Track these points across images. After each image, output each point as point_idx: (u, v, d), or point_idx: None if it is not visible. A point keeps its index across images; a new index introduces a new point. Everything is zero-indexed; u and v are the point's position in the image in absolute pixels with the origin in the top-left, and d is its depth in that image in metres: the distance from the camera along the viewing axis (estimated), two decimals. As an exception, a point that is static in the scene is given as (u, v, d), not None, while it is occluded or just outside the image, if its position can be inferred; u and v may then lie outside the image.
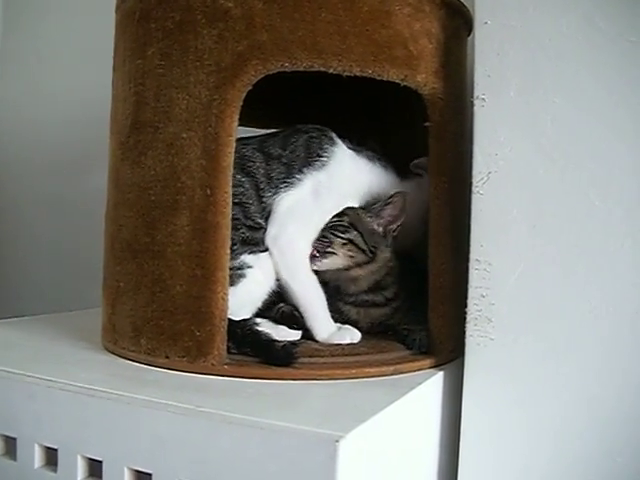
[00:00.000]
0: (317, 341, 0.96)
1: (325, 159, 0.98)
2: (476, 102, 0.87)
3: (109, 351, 0.96)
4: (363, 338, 0.98)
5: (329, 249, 0.98)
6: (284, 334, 0.93)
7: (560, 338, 0.83)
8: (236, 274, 0.92)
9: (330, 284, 1.02)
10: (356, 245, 0.99)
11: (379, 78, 0.88)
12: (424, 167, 1.04)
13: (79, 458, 0.76)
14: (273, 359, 0.85)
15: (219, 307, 0.84)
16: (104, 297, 0.99)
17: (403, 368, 0.89)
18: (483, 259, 0.87)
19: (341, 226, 0.99)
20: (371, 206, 1.01)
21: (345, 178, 1.00)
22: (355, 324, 1.02)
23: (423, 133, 0.94)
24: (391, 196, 0.99)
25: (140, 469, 0.72)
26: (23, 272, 2.02)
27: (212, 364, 0.84)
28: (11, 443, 0.81)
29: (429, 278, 0.94)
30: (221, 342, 0.85)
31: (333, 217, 0.99)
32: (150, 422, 0.71)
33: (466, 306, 0.88)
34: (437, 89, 0.92)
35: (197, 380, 0.82)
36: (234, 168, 0.92)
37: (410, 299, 1.04)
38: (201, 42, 0.85)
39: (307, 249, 0.98)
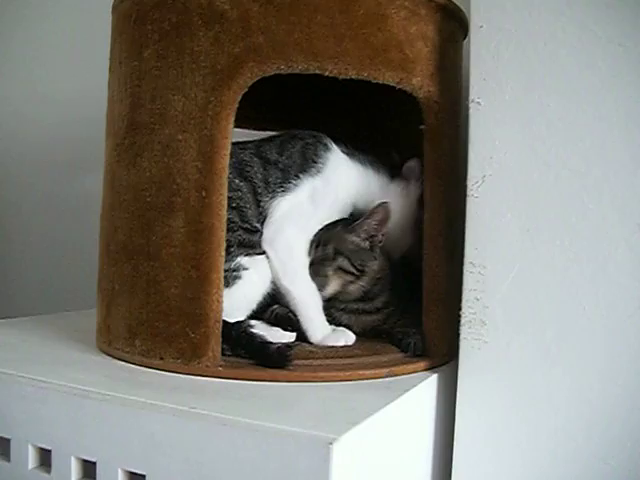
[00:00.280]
0: (311, 343, 0.95)
1: (321, 165, 0.99)
2: (471, 105, 0.87)
3: (103, 352, 0.96)
4: (357, 340, 0.98)
5: (325, 285, 1.00)
6: (279, 336, 0.93)
7: (554, 341, 0.83)
8: (232, 276, 0.92)
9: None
10: (344, 270, 1.01)
11: (374, 81, 0.88)
12: (413, 170, 1.05)
13: (73, 459, 0.76)
14: (268, 361, 0.85)
15: (214, 309, 0.84)
16: (99, 298, 0.99)
17: (397, 370, 0.89)
18: (477, 262, 0.87)
19: (327, 259, 1.00)
20: (353, 222, 1.01)
21: (340, 183, 1.01)
22: (348, 329, 1.01)
23: (417, 135, 0.94)
24: (373, 208, 1.00)
25: (134, 470, 0.72)
26: (17, 273, 2.01)
27: (206, 366, 0.84)
28: (5, 444, 0.80)
29: (423, 281, 0.94)
30: (216, 344, 0.85)
31: (317, 246, 1.00)
32: (144, 423, 0.71)
33: (460, 309, 0.88)
34: (432, 92, 0.93)
35: (191, 382, 0.82)
36: (232, 173, 0.93)
37: (402, 304, 1.05)
38: (197, 44, 0.85)
39: (303, 252, 0.98)
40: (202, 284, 0.84)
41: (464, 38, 1.03)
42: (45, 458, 0.79)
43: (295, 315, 0.97)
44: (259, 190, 0.96)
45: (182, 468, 0.69)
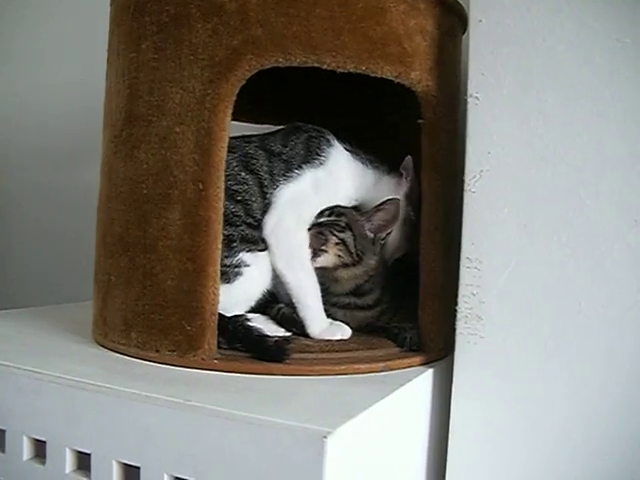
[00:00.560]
0: (307, 337, 0.96)
1: (323, 158, 0.99)
2: (469, 100, 0.87)
3: (99, 344, 0.96)
4: (354, 335, 0.98)
5: (323, 247, 0.98)
6: (274, 329, 0.94)
7: (550, 337, 0.83)
8: (233, 272, 0.92)
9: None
10: (347, 246, 0.99)
11: (373, 75, 0.88)
12: (408, 168, 1.05)
13: (68, 451, 0.76)
14: (265, 355, 0.85)
15: (210, 302, 0.84)
16: (95, 290, 0.99)
17: (393, 365, 0.89)
18: (474, 257, 0.87)
19: (338, 225, 0.99)
20: (364, 209, 1.01)
21: (341, 177, 1.02)
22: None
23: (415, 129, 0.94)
24: (384, 202, 1.00)
25: (128, 462, 0.72)
26: (14, 264, 2.01)
27: (202, 359, 0.84)
28: (0, 435, 0.81)
29: (420, 275, 0.94)
30: (211, 337, 0.85)
31: (331, 214, 1.00)
32: (139, 415, 0.71)
33: (456, 304, 0.88)
34: (431, 87, 0.92)
35: (187, 374, 0.82)
36: (238, 166, 0.93)
37: (396, 301, 1.04)
38: (195, 36, 0.85)
39: (304, 240, 0.98)
40: (198, 277, 0.84)
41: (463, 32, 1.03)
42: (40, 449, 0.79)
43: (300, 317, 0.97)
44: (265, 182, 0.96)
45: (177, 460, 0.69)
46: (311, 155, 0.99)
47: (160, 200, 0.87)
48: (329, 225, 0.99)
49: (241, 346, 0.88)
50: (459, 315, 0.88)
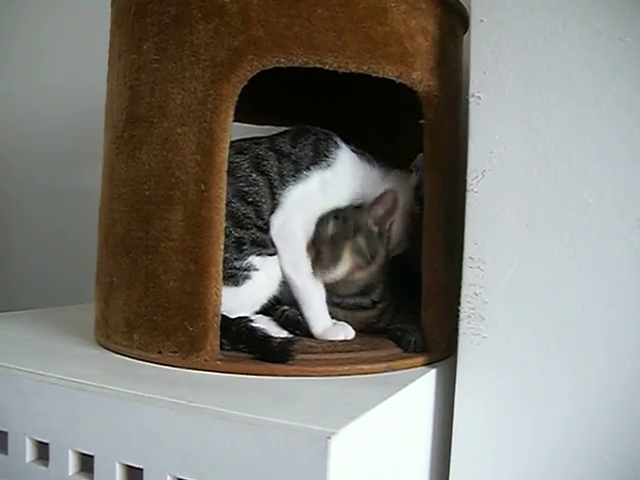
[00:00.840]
0: (310, 337, 0.96)
1: (331, 160, 1.00)
2: (471, 100, 0.87)
3: (102, 346, 0.96)
4: (356, 335, 0.98)
5: (340, 260, 0.97)
6: (277, 330, 0.93)
7: (553, 337, 0.83)
8: (242, 275, 0.93)
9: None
10: (362, 251, 0.98)
11: (374, 75, 0.87)
12: (419, 165, 1.04)
13: (70, 453, 0.76)
14: (270, 355, 0.85)
15: (212, 303, 0.84)
16: (97, 292, 0.99)
17: (396, 365, 0.89)
18: (477, 257, 0.87)
19: (347, 236, 0.98)
20: (363, 205, 1.01)
21: (348, 178, 1.02)
22: None
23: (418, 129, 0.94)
24: (381, 195, 0.99)
25: (131, 464, 0.72)
26: (16, 266, 2.01)
27: (205, 360, 0.84)
28: (2, 437, 0.80)
29: (422, 275, 0.94)
30: (214, 338, 0.84)
31: (336, 221, 0.99)
32: (142, 417, 0.71)
33: (459, 304, 0.88)
34: (432, 86, 0.92)
35: (190, 375, 0.82)
36: (249, 167, 0.93)
37: (398, 298, 1.04)
38: (197, 37, 0.85)
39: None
40: (201, 278, 0.84)
41: (464, 32, 1.03)
42: (43, 451, 0.79)
43: (304, 317, 0.97)
44: (275, 183, 0.96)
45: (180, 461, 0.69)
46: (319, 157, 0.99)
47: (162, 201, 0.87)
48: (339, 234, 0.98)
49: (245, 347, 0.88)
50: (462, 315, 0.88)
